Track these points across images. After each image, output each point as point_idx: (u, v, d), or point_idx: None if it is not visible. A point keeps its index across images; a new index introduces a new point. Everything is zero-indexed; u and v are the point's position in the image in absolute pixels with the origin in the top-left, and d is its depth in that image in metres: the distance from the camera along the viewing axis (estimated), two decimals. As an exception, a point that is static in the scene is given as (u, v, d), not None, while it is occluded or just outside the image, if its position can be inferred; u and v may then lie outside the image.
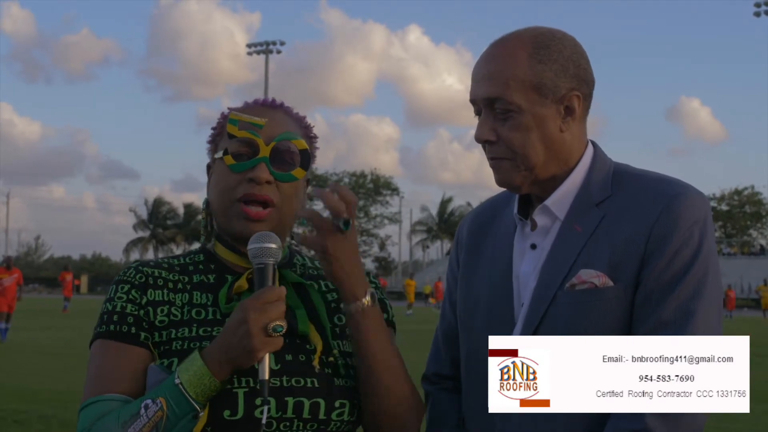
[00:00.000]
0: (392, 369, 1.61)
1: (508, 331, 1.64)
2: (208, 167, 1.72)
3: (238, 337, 1.44)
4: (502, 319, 1.66)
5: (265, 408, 1.46)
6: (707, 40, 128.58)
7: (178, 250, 78.91)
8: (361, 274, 1.60)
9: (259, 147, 1.62)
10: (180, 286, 1.64)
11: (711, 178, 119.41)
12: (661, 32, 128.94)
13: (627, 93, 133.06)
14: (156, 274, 1.64)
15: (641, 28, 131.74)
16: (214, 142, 1.71)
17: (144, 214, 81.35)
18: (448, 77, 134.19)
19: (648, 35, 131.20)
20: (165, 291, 1.62)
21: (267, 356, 1.46)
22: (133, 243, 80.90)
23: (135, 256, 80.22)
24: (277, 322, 1.45)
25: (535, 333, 1.59)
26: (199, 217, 1.75)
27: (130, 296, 1.60)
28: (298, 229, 1.74)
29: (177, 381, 1.45)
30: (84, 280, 76.85)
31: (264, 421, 1.46)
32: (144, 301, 1.60)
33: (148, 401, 1.45)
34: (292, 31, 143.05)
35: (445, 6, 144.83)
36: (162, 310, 1.60)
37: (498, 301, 1.69)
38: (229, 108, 1.70)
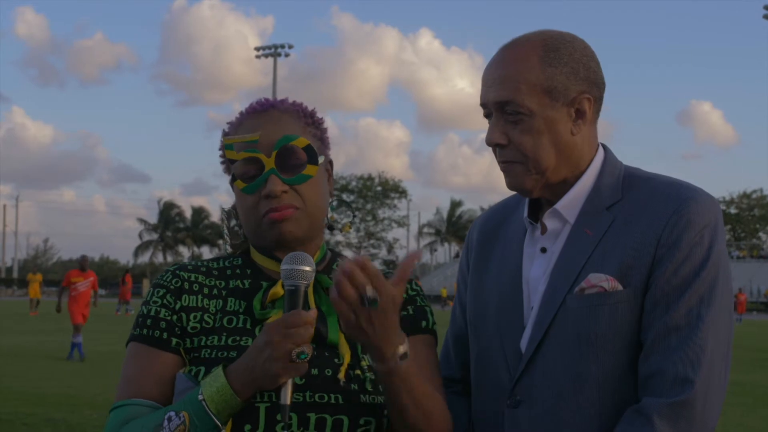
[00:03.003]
0: (426, 415, 1.54)
1: (517, 335, 1.64)
2: (232, 185, 1.69)
3: (262, 360, 1.42)
4: (512, 323, 1.66)
5: None
6: (717, 43, 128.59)
7: (187, 253, 79.06)
8: (393, 337, 1.46)
9: (263, 162, 1.59)
10: (215, 291, 1.63)
11: (722, 182, 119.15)
12: (670, 36, 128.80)
13: (637, 97, 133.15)
14: (192, 278, 1.63)
15: (650, 32, 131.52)
16: (225, 163, 1.69)
17: (154, 217, 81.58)
18: (459, 81, 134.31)
19: (657, 39, 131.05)
20: (200, 297, 1.61)
21: (290, 381, 1.44)
22: (144, 246, 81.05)
23: (145, 259, 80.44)
24: (302, 349, 1.41)
25: (544, 337, 1.59)
26: (219, 222, 1.73)
27: (165, 301, 1.60)
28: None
29: (200, 397, 1.45)
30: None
31: None
32: (178, 306, 1.59)
33: (172, 414, 1.46)
34: (305, 35, 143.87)
35: (456, 10, 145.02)
36: (195, 317, 1.59)
37: (508, 305, 1.68)
38: (227, 123, 1.68)
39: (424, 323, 1.69)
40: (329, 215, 1.67)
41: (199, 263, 1.68)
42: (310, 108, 1.72)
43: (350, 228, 1.71)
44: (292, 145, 1.60)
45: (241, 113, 1.69)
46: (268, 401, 1.48)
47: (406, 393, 1.50)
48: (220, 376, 1.45)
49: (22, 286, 69.83)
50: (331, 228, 1.69)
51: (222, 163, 1.70)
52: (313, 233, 1.63)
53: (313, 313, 1.45)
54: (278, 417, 1.47)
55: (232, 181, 1.64)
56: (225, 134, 1.68)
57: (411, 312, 1.69)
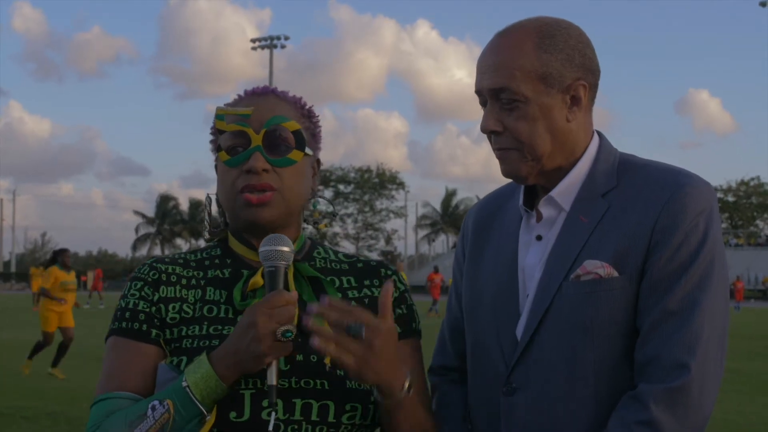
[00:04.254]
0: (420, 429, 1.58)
1: (513, 323, 1.64)
2: (216, 167, 1.70)
3: (247, 341, 1.42)
4: (508, 311, 1.66)
5: (272, 414, 1.45)
6: (714, 31, 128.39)
7: (184, 246, 79.04)
8: (398, 369, 1.49)
9: (250, 137, 1.59)
10: (194, 282, 1.62)
11: (721, 170, 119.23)
12: (666, 24, 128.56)
13: (635, 86, 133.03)
14: (170, 270, 1.62)
15: (646, 21, 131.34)
16: (214, 141, 1.69)
17: (151, 210, 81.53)
18: (457, 71, 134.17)
19: (653, 28, 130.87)
20: (178, 287, 1.60)
21: (275, 361, 1.44)
22: (141, 239, 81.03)
23: (143, 252, 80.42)
24: (287, 327, 1.41)
25: (540, 324, 1.59)
26: (203, 209, 1.72)
27: (143, 293, 1.59)
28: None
29: (184, 384, 1.44)
30: (90, 277, 76.97)
31: (271, 427, 1.44)
32: (156, 297, 1.59)
33: (156, 402, 1.45)
34: (303, 27, 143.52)
35: (454, 0, 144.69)
36: (174, 307, 1.58)
37: (503, 293, 1.68)
38: (217, 107, 1.68)
39: (414, 324, 1.70)
40: (312, 211, 1.68)
41: (176, 255, 1.68)
42: (309, 104, 1.72)
43: (326, 226, 1.72)
44: (283, 126, 1.60)
45: (239, 95, 1.69)
46: (253, 388, 1.48)
47: (405, 421, 1.55)
48: (204, 362, 1.45)
49: (20, 280, 69.88)
50: (314, 224, 1.69)
51: (211, 141, 1.70)
52: (289, 220, 1.63)
53: (294, 294, 1.46)
54: (264, 403, 1.47)
55: (217, 153, 1.63)
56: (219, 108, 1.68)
57: (404, 311, 1.70)
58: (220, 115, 1.61)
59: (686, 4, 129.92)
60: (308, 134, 1.67)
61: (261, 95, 1.66)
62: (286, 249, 1.50)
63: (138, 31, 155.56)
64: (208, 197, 1.71)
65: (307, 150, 1.64)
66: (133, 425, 1.44)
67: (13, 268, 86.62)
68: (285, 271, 1.51)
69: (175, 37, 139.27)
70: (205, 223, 1.71)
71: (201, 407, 1.43)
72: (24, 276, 52.23)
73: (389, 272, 1.73)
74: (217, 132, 1.64)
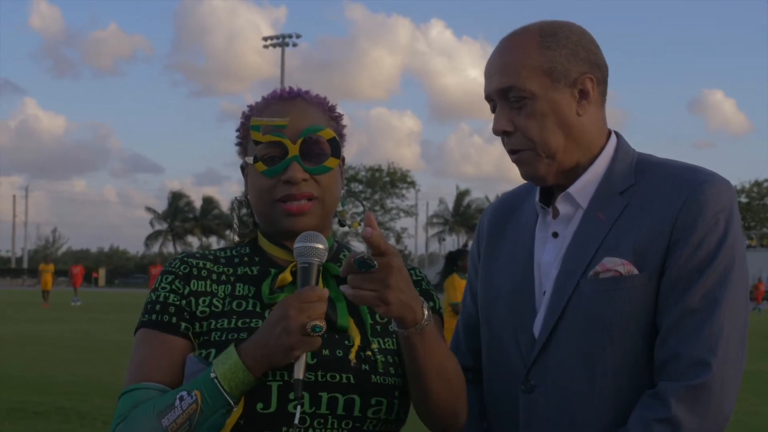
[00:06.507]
0: (448, 381, 1.56)
1: (529, 320, 1.63)
2: (242, 168, 1.71)
3: (276, 334, 1.43)
4: (524, 308, 1.65)
5: (298, 407, 1.46)
6: (727, 31, 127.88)
7: (196, 243, 79.37)
8: (412, 297, 1.48)
9: (288, 147, 1.60)
10: (224, 277, 1.64)
11: (734, 171, 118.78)
12: (679, 24, 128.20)
13: (648, 86, 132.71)
14: (201, 265, 1.64)
15: (659, 22, 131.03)
16: (242, 145, 1.69)
17: (163, 207, 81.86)
18: (471, 71, 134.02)
19: (666, 28, 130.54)
20: (208, 282, 1.62)
21: (303, 355, 1.45)
22: (153, 236, 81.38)
23: (155, 249, 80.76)
24: (317, 322, 1.43)
25: (558, 321, 1.58)
26: (228, 211, 1.72)
27: (174, 286, 1.60)
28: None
29: (213, 375, 1.45)
30: (102, 273, 77.38)
31: (296, 420, 1.45)
32: (186, 291, 1.60)
33: (183, 393, 1.46)
34: (318, 25, 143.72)
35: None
36: (204, 301, 1.60)
37: (519, 290, 1.67)
38: (248, 106, 1.69)
39: (431, 303, 1.70)
40: (339, 209, 1.69)
41: (207, 252, 1.70)
42: (331, 103, 1.73)
43: (359, 224, 1.71)
44: (318, 135, 1.62)
45: (265, 98, 1.69)
46: (280, 380, 1.49)
47: (428, 355, 1.51)
48: (232, 353, 1.46)
49: (32, 276, 70.27)
50: (341, 223, 1.70)
51: (238, 144, 1.70)
52: (325, 224, 1.65)
53: (325, 291, 1.48)
54: (291, 395, 1.48)
55: (251, 162, 1.63)
56: (246, 115, 1.68)
57: (423, 287, 1.71)
58: (255, 126, 1.61)
59: (700, 4, 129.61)
60: (338, 136, 1.68)
61: (290, 100, 1.66)
62: (320, 246, 1.51)
63: (154, 29, 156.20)
64: (236, 200, 1.72)
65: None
66: (161, 415, 1.45)
67: (25, 264, 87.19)
68: (318, 268, 1.52)
69: (190, 35, 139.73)
70: (234, 226, 1.72)
71: (228, 398, 1.44)
72: (36, 272, 52.60)
73: (408, 270, 1.72)
74: (247, 140, 1.65)
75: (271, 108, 1.65)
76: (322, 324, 1.43)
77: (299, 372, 1.44)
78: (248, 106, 1.70)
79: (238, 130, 1.70)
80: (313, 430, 1.50)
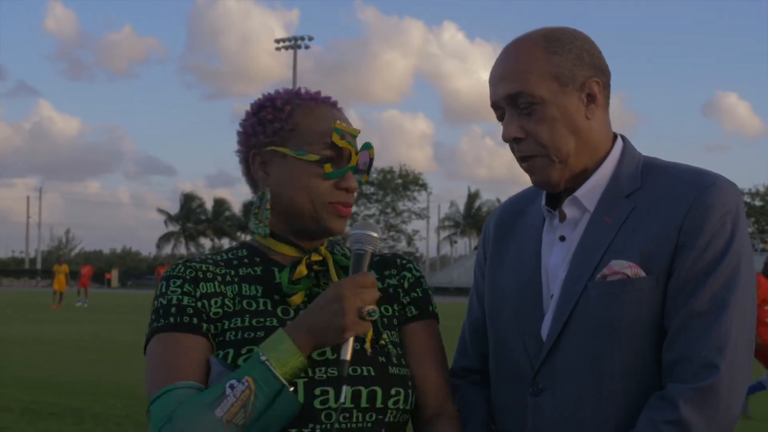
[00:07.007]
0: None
1: (537, 323, 1.64)
2: (262, 161, 1.67)
3: (331, 313, 1.46)
4: (531, 311, 1.66)
5: (344, 388, 1.48)
6: (741, 34, 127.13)
7: (208, 244, 79.45)
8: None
9: (352, 157, 1.65)
10: (228, 278, 1.64)
11: (748, 174, 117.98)
12: (693, 27, 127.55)
13: (662, 89, 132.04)
14: (204, 268, 1.64)
15: (673, 25, 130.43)
16: (279, 135, 1.65)
17: (176, 209, 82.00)
18: (483, 73, 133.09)
19: (680, 31, 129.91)
20: (216, 283, 1.62)
21: (351, 338, 1.48)
22: (166, 237, 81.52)
23: (167, 250, 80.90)
24: (372, 307, 1.47)
25: (566, 324, 1.59)
26: (255, 209, 1.69)
27: (185, 289, 1.60)
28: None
29: (263, 358, 1.44)
30: (114, 274, 77.56)
31: (342, 398, 1.48)
32: (198, 293, 1.60)
33: (234, 381, 1.44)
34: (331, 27, 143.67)
35: (480, 2, 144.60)
36: (216, 302, 1.60)
37: (526, 293, 1.68)
38: (285, 91, 1.70)
39: (430, 307, 1.75)
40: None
41: (204, 257, 1.70)
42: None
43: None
44: (370, 153, 1.70)
45: (302, 96, 1.69)
46: (305, 377, 1.51)
47: None
48: (282, 335, 1.47)
49: (45, 277, 70.54)
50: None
51: (274, 134, 1.64)
52: None
53: (375, 277, 1.53)
54: (316, 392, 1.51)
55: (316, 161, 1.61)
56: (292, 102, 1.67)
57: (420, 294, 1.76)
58: (338, 130, 1.63)
59: (714, 6, 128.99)
60: None
61: (334, 107, 1.70)
62: (375, 235, 1.57)
63: (167, 31, 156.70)
64: (262, 193, 1.67)
65: None
66: (212, 406, 1.42)
67: (38, 265, 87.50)
68: (371, 256, 1.57)
69: (203, 37, 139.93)
70: (267, 214, 1.66)
71: (282, 380, 1.44)
72: (50, 273, 52.76)
73: (404, 261, 1.79)
74: (292, 131, 1.63)
75: (321, 110, 1.67)
76: (377, 309, 1.47)
77: (346, 353, 1.47)
78: (286, 91, 1.70)
79: (271, 120, 1.65)
80: (339, 424, 1.52)
